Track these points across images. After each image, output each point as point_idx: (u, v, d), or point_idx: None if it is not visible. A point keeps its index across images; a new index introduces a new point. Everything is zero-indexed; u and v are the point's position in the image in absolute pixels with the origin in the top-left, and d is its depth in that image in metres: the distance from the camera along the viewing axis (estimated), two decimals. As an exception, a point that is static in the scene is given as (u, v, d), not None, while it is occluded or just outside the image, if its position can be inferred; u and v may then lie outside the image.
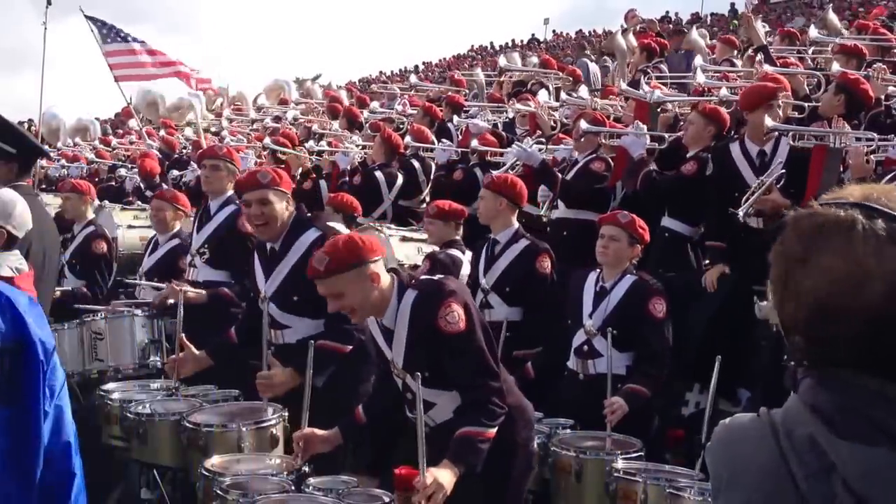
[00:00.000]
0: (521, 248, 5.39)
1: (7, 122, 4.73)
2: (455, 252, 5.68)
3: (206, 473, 3.64)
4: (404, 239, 6.70)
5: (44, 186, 12.91)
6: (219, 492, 3.45)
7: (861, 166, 5.29)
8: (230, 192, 5.56)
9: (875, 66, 7.39)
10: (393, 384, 3.70)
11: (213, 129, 14.64)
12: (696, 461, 3.96)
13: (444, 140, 8.88)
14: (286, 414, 4.16)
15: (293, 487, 3.53)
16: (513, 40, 39.50)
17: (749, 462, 1.39)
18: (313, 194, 8.44)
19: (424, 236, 6.34)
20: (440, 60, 40.94)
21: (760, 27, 10.59)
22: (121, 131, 19.50)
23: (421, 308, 3.46)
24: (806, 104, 6.68)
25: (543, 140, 7.88)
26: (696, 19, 31.30)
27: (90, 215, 7.22)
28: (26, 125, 19.04)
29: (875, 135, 5.54)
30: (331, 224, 4.64)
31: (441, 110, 10.25)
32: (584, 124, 6.56)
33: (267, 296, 4.48)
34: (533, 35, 40.36)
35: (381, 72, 38.94)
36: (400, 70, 38.27)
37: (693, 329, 5.41)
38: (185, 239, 6.22)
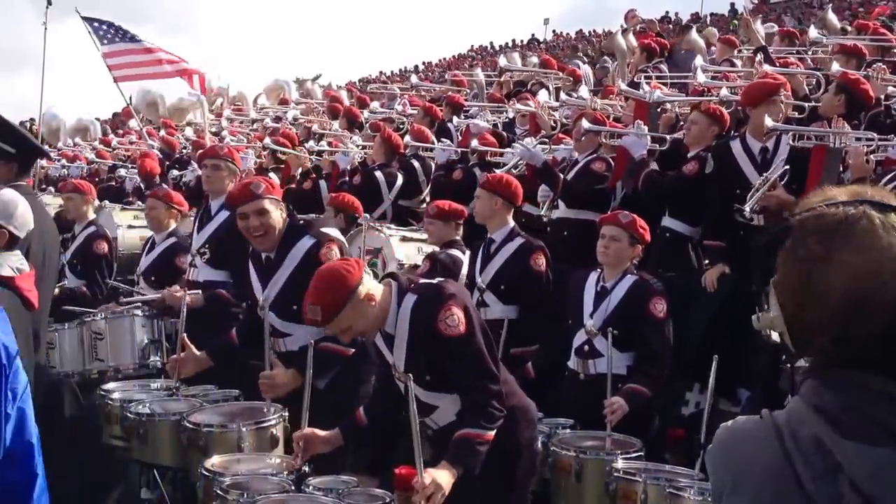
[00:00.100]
0: (516, 246, 5.40)
1: (7, 123, 4.73)
2: (455, 252, 5.68)
3: (207, 473, 3.64)
4: (404, 239, 6.70)
5: (44, 186, 12.92)
6: (219, 492, 3.46)
7: (861, 166, 5.29)
8: (230, 192, 5.55)
9: (875, 66, 7.39)
10: (394, 386, 3.71)
11: (213, 129, 14.63)
12: (696, 461, 3.96)
13: (443, 140, 8.88)
14: (286, 414, 4.16)
15: (293, 487, 3.54)
16: (513, 40, 39.51)
17: (752, 464, 1.39)
18: (313, 194, 8.45)
19: (424, 236, 6.34)
20: (440, 60, 40.93)
21: (760, 28, 10.60)
22: (121, 131, 19.49)
23: (421, 312, 3.47)
24: (806, 104, 6.68)
25: (547, 140, 7.88)
26: (696, 19, 31.29)
27: (91, 216, 7.22)
28: (28, 124, 19.05)
29: (875, 135, 5.54)
30: (324, 230, 4.60)
31: (441, 110, 10.25)
32: (586, 123, 6.56)
33: (265, 305, 4.45)
34: (533, 35, 40.36)
35: (381, 72, 38.95)
36: (400, 70, 38.28)
37: (693, 329, 5.41)
38: (181, 237, 6.22)
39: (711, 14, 33.54)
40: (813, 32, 10.42)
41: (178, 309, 5.08)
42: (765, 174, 5.37)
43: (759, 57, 8.23)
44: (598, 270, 4.91)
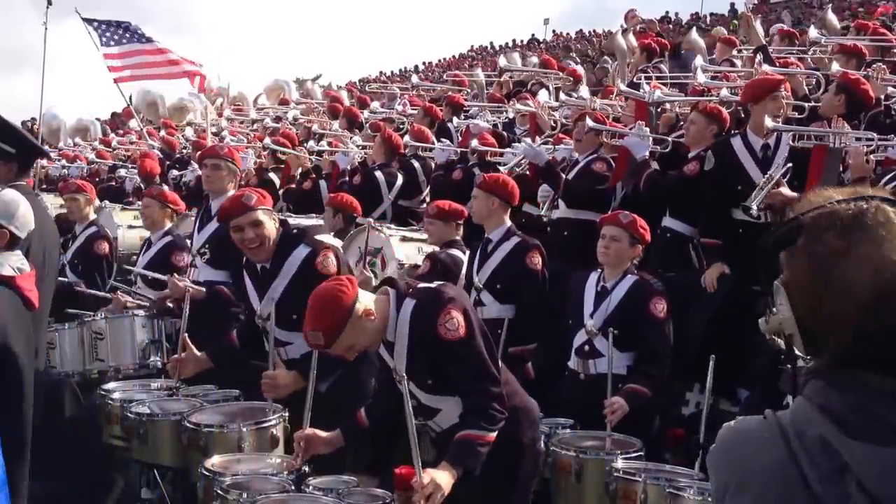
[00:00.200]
0: (512, 245, 5.41)
1: (7, 123, 4.73)
2: (456, 252, 5.68)
3: (207, 473, 3.65)
4: (404, 239, 6.69)
5: (44, 186, 12.91)
6: (219, 491, 3.46)
7: (861, 166, 5.29)
8: (231, 192, 5.55)
9: (875, 66, 7.39)
10: (395, 387, 3.70)
11: (213, 129, 14.63)
12: (696, 461, 3.96)
13: (443, 140, 8.88)
14: (286, 414, 4.17)
15: (293, 487, 3.54)
16: (513, 40, 39.50)
17: (756, 464, 1.38)
18: (313, 194, 8.45)
19: (424, 236, 6.34)
20: (440, 60, 40.91)
21: (759, 27, 10.59)
22: (121, 131, 19.50)
23: (420, 316, 3.46)
24: (806, 104, 6.68)
25: (550, 139, 7.88)
26: (696, 19, 31.31)
27: (92, 216, 7.23)
28: (28, 124, 19.05)
29: (875, 135, 5.55)
30: (319, 237, 4.58)
31: (441, 110, 10.25)
32: (589, 122, 6.55)
33: (263, 315, 4.43)
34: (533, 35, 40.34)
35: (381, 72, 38.94)
36: (400, 70, 38.28)
37: (693, 329, 5.41)
38: (177, 236, 6.23)
39: (711, 14, 33.55)
40: (813, 32, 10.42)
41: (180, 301, 5.10)
42: (769, 172, 5.38)
43: (759, 57, 8.22)
44: (599, 270, 4.91)
